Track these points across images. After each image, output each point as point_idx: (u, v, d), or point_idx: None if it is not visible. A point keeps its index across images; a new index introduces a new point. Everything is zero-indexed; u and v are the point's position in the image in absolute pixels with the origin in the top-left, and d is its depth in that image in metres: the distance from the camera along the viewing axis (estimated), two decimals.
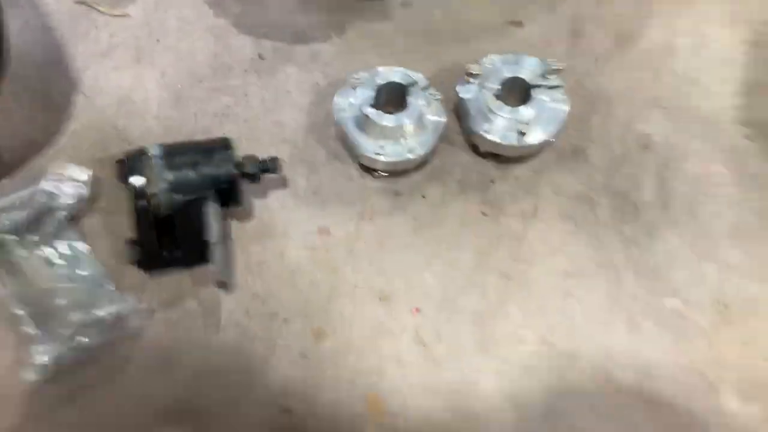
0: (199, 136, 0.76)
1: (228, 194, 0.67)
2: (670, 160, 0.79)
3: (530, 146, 0.74)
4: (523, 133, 0.72)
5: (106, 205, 0.72)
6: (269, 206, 0.74)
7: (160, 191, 0.64)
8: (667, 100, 0.81)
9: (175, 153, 0.65)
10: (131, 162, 0.65)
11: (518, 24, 0.85)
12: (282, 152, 0.77)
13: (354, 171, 0.76)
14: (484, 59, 0.77)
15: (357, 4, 0.85)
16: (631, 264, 0.74)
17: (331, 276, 0.71)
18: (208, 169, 0.65)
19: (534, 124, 0.73)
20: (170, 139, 0.75)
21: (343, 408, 0.66)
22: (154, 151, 0.65)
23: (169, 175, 0.64)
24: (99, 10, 0.83)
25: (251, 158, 0.67)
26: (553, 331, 0.70)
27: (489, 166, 0.77)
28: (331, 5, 0.85)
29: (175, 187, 0.64)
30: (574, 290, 0.72)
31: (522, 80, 0.75)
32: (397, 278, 0.72)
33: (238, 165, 0.67)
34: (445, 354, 0.68)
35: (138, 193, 0.64)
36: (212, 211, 0.65)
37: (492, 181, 0.77)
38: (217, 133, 0.77)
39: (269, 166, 0.68)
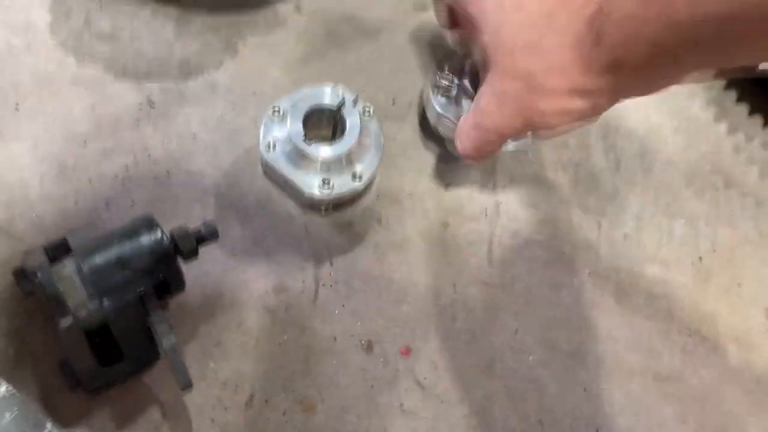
0: (103, 211, 0.65)
1: (167, 282, 0.56)
2: (611, 119, 0.76)
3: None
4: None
5: (8, 324, 0.59)
6: (208, 272, 0.64)
7: (85, 304, 0.52)
8: None
9: (94, 250, 0.53)
10: (40, 273, 0.52)
11: (423, 8, 0.78)
12: (206, 205, 0.66)
13: (294, 210, 0.67)
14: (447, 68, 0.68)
15: (243, 17, 0.74)
16: (603, 237, 0.70)
17: (301, 335, 0.63)
18: (140, 261, 0.54)
19: None
20: (66, 223, 0.64)
21: None
22: (66, 258, 0.52)
23: (94, 281, 0.52)
24: None
25: (183, 233, 0.56)
26: (548, 329, 0.66)
27: (439, 171, 0.70)
28: (213, 24, 0.74)
29: (104, 293, 0.53)
30: (558, 278, 0.68)
31: None
32: (375, 319, 0.64)
33: (172, 245, 0.56)
34: (450, 388, 0.62)
35: (59, 311, 0.52)
36: (156, 312, 0.54)
37: (446, 187, 0.70)
38: (123, 201, 0.65)
39: (206, 234, 0.58)
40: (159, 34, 0.72)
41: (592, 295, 0.68)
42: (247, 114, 0.70)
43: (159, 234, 0.55)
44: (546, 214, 0.70)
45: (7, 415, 0.54)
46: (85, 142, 0.67)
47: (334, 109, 0.65)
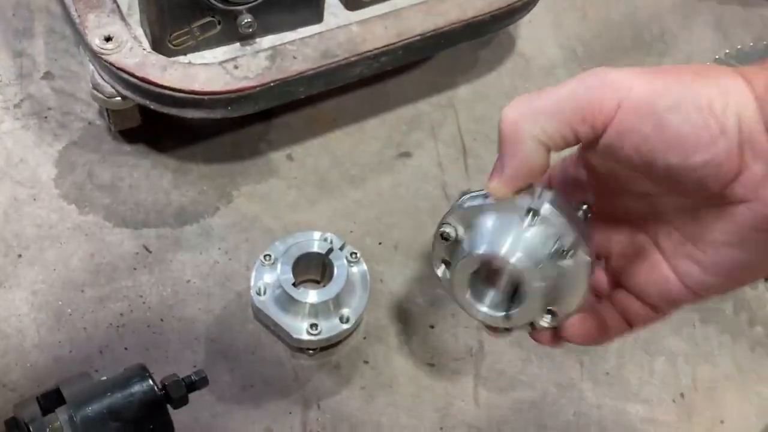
0: (97, 359, 0.66)
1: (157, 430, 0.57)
2: None
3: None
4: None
5: None
6: (197, 419, 0.65)
7: None
8: None
9: (84, 402, 0.54)
10: (32, 424, 0.53)
11: (407, 155, 0.83)
12: (197, 351, 0.68)
13: (282, 353, 0.69)
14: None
15: (237, 166, 0.79)
16: (586, 375, 0.72)
17: None
18: (132, 411, 0.55)
19: None
20: (60, 371, 0.65)
21: None
22: (59, 409, 0.54)
23: None
24: None
25: (173, 381, 0.58)
26: None
27: (424, 312, 0.73)
28: (209, 173, 0.78)
29: None
30: (544, 419, 0.69)
31: None
32: None
33: (162, 394, 0.57)
34: None
35: None
36: None
37: (431, 327, 0.72)
38: (116, 348, 0.67)
39: (196, 383, 0.59)
40: (157, 184, 0.77)
41: None
42: (240, 259, 0.73)
43: (150, 384, 0.56)
44: (529, 353, 0.72)
45: None
46: (82, 290, 0.69)
47: (323, 255, 0.69)
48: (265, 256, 0.68)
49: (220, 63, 0.67)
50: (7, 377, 0.64)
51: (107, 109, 0.73)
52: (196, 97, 0.66)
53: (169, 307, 0.70)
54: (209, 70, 0.67)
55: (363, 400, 0.68)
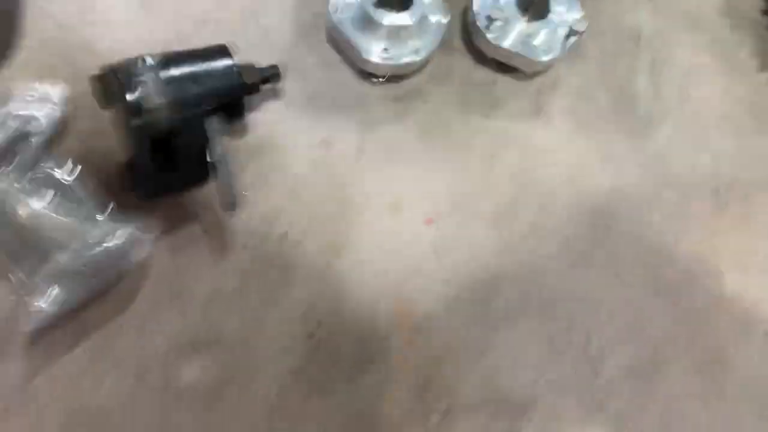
0: (177, 46, 0.69)
1: (230, 108, 0.61)
2: (660, 51, 0.79)
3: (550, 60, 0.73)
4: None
5: (84, 127, 0.65)
6: (264, 119, 0.69)
7: (157, 108, 0.58)
8: None
9: (171, 63, 0.59)
10: (120, 75, 0.58)
11: None
12: (271, 60, 0.71)
13: (349, 77, 0.72)
14: None
15: None
16: (632, 154, 0.74)
17: (339, 190, 0.68)
18: (210, 82, 0.59)
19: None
20: (143, 48, 0.68)
21: (370, 320, 0.64)
22: (149, 61, 0.58)
23: (168, 90, 0.58)
24: None
25: (250, 68, 0.62)
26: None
27: (489, 69, 0.75)
28: None
29: (175, 103, 0.58)
30: (582, 183, 0.72)
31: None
32: (407, 188, 0.69)
33: (239, 74, 0.61)
34: (462, 260, 0.67)
35: (133, 110, 0.58)
36: (217, 128, 0.59)
37: (494, 82, 0.74)
38: (197, 41, 0.70)
39: (270, 75, 0.63)
40: None
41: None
42: None
43: (230, 61, 0.60)
44: (582, 124, 0.74)
45: (72, 199, 0.60)
46: None
47: None
48: None
49: None
50: (94, 46, 0.68)
51: None
52: None
53: (251, 13, 0.72)
54: None
55: (416, 133, 0.71)
